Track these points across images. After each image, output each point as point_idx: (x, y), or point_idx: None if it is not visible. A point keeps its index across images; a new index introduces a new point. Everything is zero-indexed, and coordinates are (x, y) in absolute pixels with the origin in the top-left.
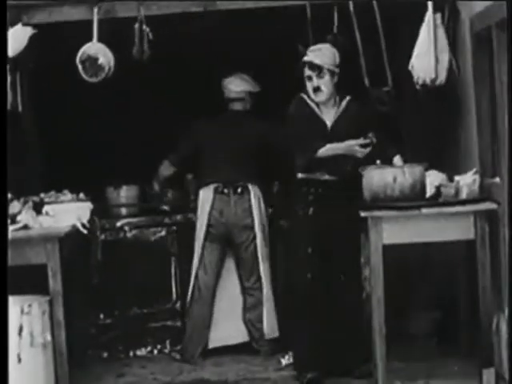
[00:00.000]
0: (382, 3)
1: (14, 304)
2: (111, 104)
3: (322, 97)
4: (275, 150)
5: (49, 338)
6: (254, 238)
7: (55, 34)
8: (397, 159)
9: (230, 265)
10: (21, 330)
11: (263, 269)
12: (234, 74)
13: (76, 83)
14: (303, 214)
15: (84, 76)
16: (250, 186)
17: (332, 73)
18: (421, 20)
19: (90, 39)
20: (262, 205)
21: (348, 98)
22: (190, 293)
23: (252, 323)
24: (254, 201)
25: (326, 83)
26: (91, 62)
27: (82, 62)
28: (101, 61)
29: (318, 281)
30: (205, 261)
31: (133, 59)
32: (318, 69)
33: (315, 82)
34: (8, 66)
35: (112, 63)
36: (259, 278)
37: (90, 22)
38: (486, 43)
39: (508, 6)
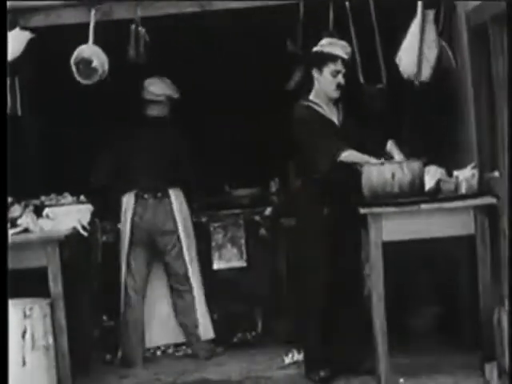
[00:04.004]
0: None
1: (16, 307)
2: (112, 108)
3: (338, 94)
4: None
5: (51, 340)
6: (178, 241)
7: (52, 37)
8: (390, 144)
9: (158, 268)
10: (24, 333)
11: (192, 272)
12: (156, 76)
13: (76, 86)
14: (317, 214)
15: (78, 78)
16: (171, 191)
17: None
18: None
19: (87, 41)
20: (186, 208)
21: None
22: (121, 300)
23: (186, 328)
24: (175, 205)
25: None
26: (85, 64)
27: (76, 64)
28: (94, 64)
29: (332, 279)
30: (132, 267)
31: (129, 61)
32: (347, 66)
33: (341, 78)
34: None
35: (106, 66)
36: (188, 281)
37: (88, 25)
38: (482, 37)
39: (508, 6)
